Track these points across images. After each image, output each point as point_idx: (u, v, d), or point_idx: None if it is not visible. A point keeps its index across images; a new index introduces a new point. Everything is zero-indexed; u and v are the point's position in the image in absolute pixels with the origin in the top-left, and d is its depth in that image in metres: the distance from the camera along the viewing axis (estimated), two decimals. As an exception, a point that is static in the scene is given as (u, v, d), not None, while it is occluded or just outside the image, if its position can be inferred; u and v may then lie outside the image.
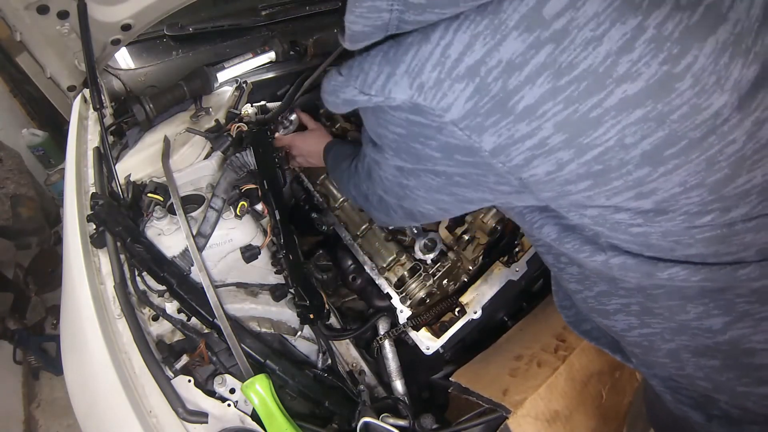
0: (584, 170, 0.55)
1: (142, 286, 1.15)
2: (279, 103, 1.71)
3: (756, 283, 0.60)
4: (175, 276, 1.12)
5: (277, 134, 1.50)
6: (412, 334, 1.20)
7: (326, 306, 1.30)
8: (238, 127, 1.44)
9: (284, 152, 1.46)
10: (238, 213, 1.22)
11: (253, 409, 0.98)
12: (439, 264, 1.23)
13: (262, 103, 1.65)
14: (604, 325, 0.80)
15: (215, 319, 1.08)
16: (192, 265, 1.16)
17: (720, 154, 0.54)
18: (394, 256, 1.26)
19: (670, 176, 0.55)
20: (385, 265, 1.26)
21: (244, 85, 1.66)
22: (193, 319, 1.13)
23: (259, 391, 0.96)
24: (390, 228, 1.32)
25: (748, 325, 0.63)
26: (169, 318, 1.13)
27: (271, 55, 1.75)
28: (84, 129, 1.50)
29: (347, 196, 1.12)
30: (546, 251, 0.81)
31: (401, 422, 1.05)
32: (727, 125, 0.52)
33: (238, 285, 1.29)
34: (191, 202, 1.27)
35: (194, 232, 1.17)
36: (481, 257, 1.27)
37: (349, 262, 1.41)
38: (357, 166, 0.93)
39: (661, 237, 0.61)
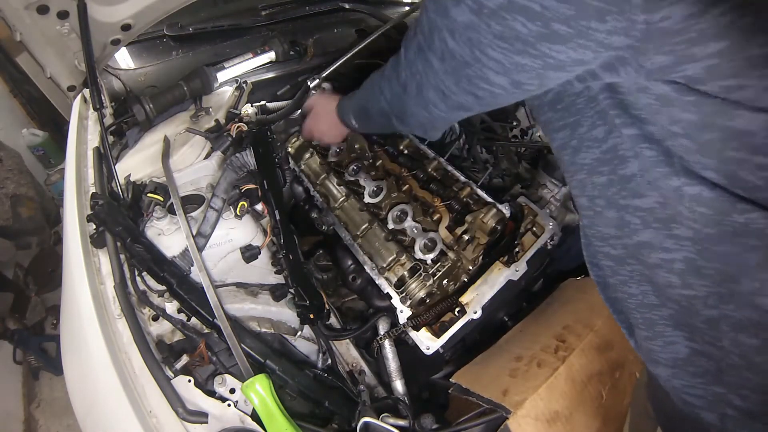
0: (730, 20, 0.45)
1: (142, 286, 1.15)
2: (279, 103, 1.72)
3: None
4: (175, 276, 1.12)
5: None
6: (412, 334, 1.20)
7: (326, 306, 1.30)
8: (238, 127, 1.44)
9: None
10: (238, 213, 1.23)
11: (253, 409, 0.98)
12: (439, 264, 1.23)
13: (262, 103, 1.65)
14: (640, 274, 0.68)
15: (215, 319, 1.08)
16: (192, 265, 1.16)
17: None
18: (394, 256, 1.26)
19: None
20: (385, 265, 1.26)
21: (244, 85, 1.66)
22: (193, 319, 1.13)
23: (259, 391, 0.96)
24: (395, 227, 1.32)
25: None
26: (169, 318, 1.13)
27: (271, 55, 1.75)
28: (84, 129, 1.51)
29: (378, 110, 0.93)
30: (580, 192, 0.70)
31: (401, 422, 1.05)
32: None
33: (238, 285, 1.29)
34: (191, 202, 1.27)
35: (194, 232, 1.17)
36: (481, 257, 1.27)
37: (349, 262, 1.41)
38: (397, 56, 0.79)
39: (756, 169, 0.52)
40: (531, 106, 0.77)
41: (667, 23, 0.47)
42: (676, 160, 0.57)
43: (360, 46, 1.51)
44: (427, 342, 1.18)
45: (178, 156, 1.42)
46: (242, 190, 1.28)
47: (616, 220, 0.68)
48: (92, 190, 1.32)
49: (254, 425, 0.98)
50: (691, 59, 0.49)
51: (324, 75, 1.60)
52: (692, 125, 0.53)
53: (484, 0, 0.55)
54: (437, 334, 1.19)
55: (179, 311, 1.14)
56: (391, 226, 1.31)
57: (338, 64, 1.48)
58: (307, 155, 1.58)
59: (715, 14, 0.46)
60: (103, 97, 1.49)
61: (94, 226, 1.18)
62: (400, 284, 1.23)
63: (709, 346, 0.65)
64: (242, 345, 1.07)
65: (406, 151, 1.56)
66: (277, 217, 1.27)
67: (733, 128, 0.51)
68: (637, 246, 0.66)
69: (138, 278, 1.15)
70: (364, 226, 1.35)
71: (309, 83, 1.58)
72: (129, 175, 1.35)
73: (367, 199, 1.38)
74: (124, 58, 1.84)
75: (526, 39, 0.54)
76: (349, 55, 1.50)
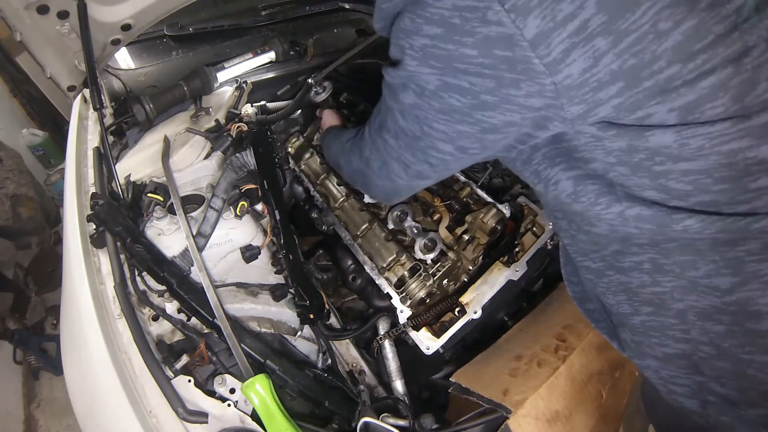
0: (617, 66, 0.55)
1: (142, 286, 1.15)
2: (279, 103, 1.72)
3: None
4: (175, 276, 1.12)
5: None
6: (412, 334, 1.20)
7: (326, 306, 1.30)
8: (238, 127, 1.44)
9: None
10: (238, 213, 1.23)
11: (253, 409, 0.97)
12: (439, 264, 1.23)
13: (262, 103, 1.65)
14: (619, 282, 0.76)
15: (215, 319, 1.08)
16: (192, 265, 1.16)
17: (744, 54, 0.54)
18: (394, 256, 1.26)
19: (699, 75, 0.55)
20: (385, 265, 1.26)
21: (244, 85, 1.66)
22: (193, 319, 1.13)
23: (259, 391, 0.96)
24: (395, 227, 1.32)
25: (757, 287, 0.63)
26: (169, 318, 1.13)
27: (271, 55, 1.75)
28: (84, 129, 1.51)
29: (346, 173, 1.06)
30: (561, 216, 0.79)
31: (401, 422, 1.05)
32: (747, 23, 0.54)
33: (238, 285, 1.29)
34: (191, 202, 1.27)
35: (194, 232, 1.17)
36: (481, 257, 1.27)
37: (349, 262, 1.41)
38: (361, 133, 0.93)
39: (682, 175, 0.60)
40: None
41: (570, 80, 0.57)
42: (617, 189, 0.65)
43: (362, 47, 1.52)
44: (427, 342, 1.18)
45: (178, 156, 1.42)
46: (242, 190, 1.28)
47: (588, 242, 0.77)
48: (92, 190, 1.32)
49: (254, 425, 0.98)
50: (599, 103, 0.58)
51: (324, 74, 1.61)
52: (622, 152, 0.62)
53: (424, 84, 0.66)
54: (437, 334, 1.19)
55: (179, 311, 1.14)
56: (391, 226, 1.31)
57: (338, 63, 1.48)
58: (307, 155, 1.58)
59: (605, 64, 0.55)
60: (103, 97, 1.49)
61: (94, 226, 1.18)
62: (400, 284, 1.23)
63: (682, 343, 0.72)
64: (242, 345, 1.07)
65: (406, 151, 1.56)
66: (277, 217, 1.27)
67: (652, 146, 0.60)
68: (612, 254, 0.74)
69: (138, 278, 1.15)
70: (364, 226, 1.35)
71: (310, 81, 1.59)
72: (129, 175, 1.35)
73: (367, 199, 1.38)
74: (124, 58, 1.84)
75: (462, 110, 0.65)
76: (350, 55, 1.50)
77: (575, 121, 0.61)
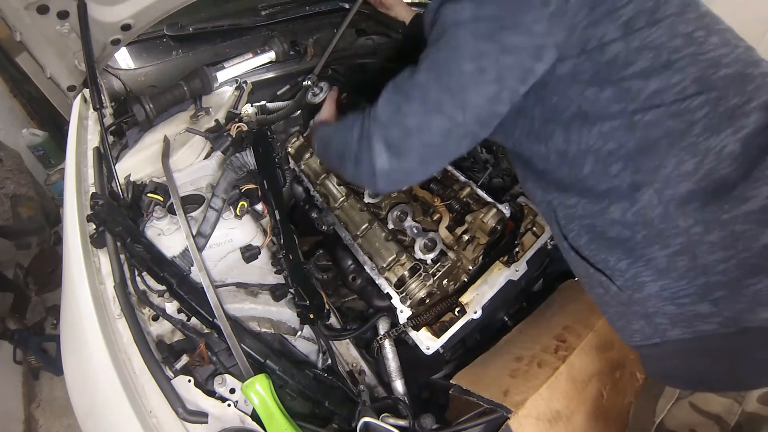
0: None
1: (142, 286, 1.15)
2: (279, 103, 1.72)
3: None
4: (175, 276, 1.12)
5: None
6: (412, 334, 1.20)
7: (326, 306, 1.30)
8: (238, 127, 1.44)
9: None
10: (238, 213, 1.23)
11: (253, 409, 0.97)
12: (439, 264, 1.23)
13: (262, 103, 1.65)
14: (590, 226, 0.87)
15: (215, 319, 1.08)
16: (192, 265, 1.16)
17: None
18: (394, 256, 1.26)
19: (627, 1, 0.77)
20: (385, 265, 1.26)
21: (244, 85, 1.66)
22: (193, 319, 1.13)
23: (259, 391, 0.96)
24: (395, 227, 1.32)
25: (712, 159, 0.76)
26: (169, 318, 1.13)
27: (271, 55, 1.75)
28: (84, 129, 1.51)
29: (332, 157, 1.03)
30: (544, 186, 0.93)
31: (401, 422, 1.05)
32: None
33: (238, 285, 1.29)
34: (191, 202, 1.27)
35: (194, 232, 1.17)
36: (481, 257, 1.27)
37: (349, 262, 1.41)
38: (369, 108, 0.91)
39: (637, 77, 0.78)
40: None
41: (555, 9, 0.78)
42: (590, 116, 0.82)
43: (342, 28, 1.51)
44: (427, 342, 1.18)
45: (178, 156, 1.42)
46: (242, 190, 1.28)
47: (574, 187, 0.89)
48: (92, 190, 1.32)
49: (254, 425, 0.98)
50: (575, 28, 0.79)
51: (316, 72, 1.60)
52: (592, 77, 0.81)
53: (458, 17, 0.82)
54: (437, 334, 1.19)
55: (179, 311, 1.14)
56: (391, 226, 1.31)
57: (325, 58, 1.48)
58: (307, 155, 1.59)
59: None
60: (103, 97, 1.49)
61: (94, 226, 1.18)
62: (400, 284, 1.23)
63: (673, 240, 0.78)
64: (242, 345, 1.07)
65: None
66: (277, 217, 1.27)
67: (608, 60, 0.79)
68: (586, 177, 0.85)
69: (138, 278, 1.15)
70: (364, 226, 1.35)
71: (305, 83, 1.59)
72: (129, 175, 1.35)
73: (367, 199, 1.38)
74: (124, 58, 1.84)
75: (488, 31, 0.80)
76: (331, 48, 1.49)
77: (560, 47, 0.78)
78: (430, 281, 1.21)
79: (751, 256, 0.73)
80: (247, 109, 1.59)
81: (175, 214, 1.19)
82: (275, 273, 1.33)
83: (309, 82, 1.62)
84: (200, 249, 1.17)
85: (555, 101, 0.84)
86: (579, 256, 0.92)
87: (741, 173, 0.74)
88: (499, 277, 1.23)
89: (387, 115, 0.86)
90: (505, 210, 1.26)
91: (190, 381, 1.01)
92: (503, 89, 0.82)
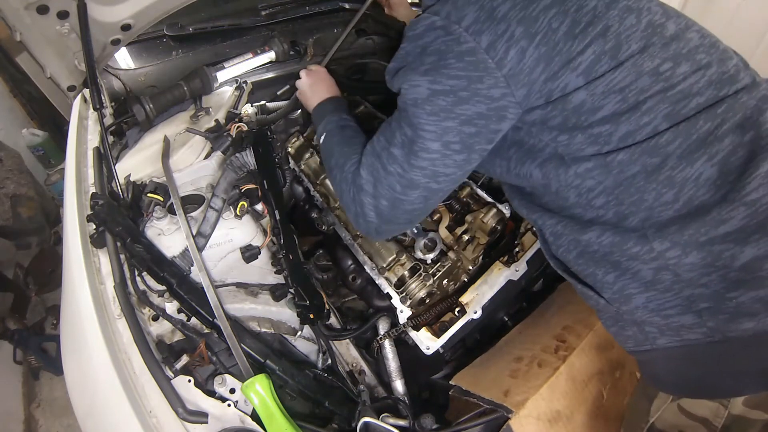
0: (537, 54, 0.77)
1: (142, 286, 1.15)
2: (279, 103, 1.72)
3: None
4: (175, 276, 1.12)
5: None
6: (412, 334, 1.20)
7: (326, 306, 1.30)
8: (238, 127, 1.44)
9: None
10: (238, 213, 1.23)
11: (253, 409, 0.98)
12: (439, 264, 1.23)
13: (262, 103, 1.65)
14: (575, 242, 0.88)
15: (215, 319, 1.08)
16: (192, 265, 1.16)
17: (607, 30, 0.78)
18: (394, 255, 1.26)
19: (583, 47, 0.77)
20: (385, 265, 1.26)
21: (244, 85, 1.66)
22: (193, 319, 1.13)
23: (259, 391, 0.96)
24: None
25: (676, 187, 0.78)
26: (169, 318, 1.13)
27: (271, 55, 1.75)
28: (84, 129, 1.51)
29: (335, 178, 1.05)
30: (545, 203, 0.93)
31: (401, 422, 1.05)
32: (603, 13, 0.79)
33: (238, 285, 1.29)
34: (191, 202, 1.27)
35: (194, 232, 1.17)
36: (481, 257, 1.27)
37: (349, 262, 1.41)
38: (356, 165, 0.98)
39: (600, 124, 0.79)
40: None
41: (512, 70, 0.80)
42: (566, 158, 0.83)
43: (346, 32, 1.51)
44: (427, 342, 1.18)
45: (178, 156, 1.42)
46: (242, 190, 1.28)
47: (558, 212, 0.91)
48: (92, 190, 1.32)
49: (254, 425, 0.98)
50: (533, 82, 0.81)
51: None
52: (561, 124, 0.83)
53: (417, 97, 0.85)
54: (437, 334, 1.19)
55: (179, 311, 1.14)
56: (391, 226, 1.31)
57: (327, 58, 1.48)
58: (307, 155, 1.58)
59: (529, 55, 0.79)
60: (103, 97, 1.49)
61: (94, 226, 1.18)
62: (400, 284, 1.23)
63: (652, 262, 0.79)
64: (242, 345, 1.07)
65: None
66: (277, 217, 1.27)
67: (574, 105, 0.81)
68: (571, 207, 0.87)
69: (138, 278, 1.15)
70: (364, 226, 1.35)
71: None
72: (129, 175, 1.35)
73: (367, 199, 1.38)
74: (124, 58, 1.84)
75: (446, 108, 0.83)
76: (335, 49, 1.49)
77: (522, 104, 0.81)
78: (430, 281, 1.21)
79: (731, 272, 0.74)
80: (247, 109, 1.59)
81: (175, 214, 1.19)
82: (275, 273, 1.33)
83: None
84: (200, 249, 1.17)
85: (530, 144, 0.87)
86: (568, 273, 0.94)
87: (718, 197, 0.75)
88: (499, 277, 1.23)
89: (371, 186, 0.93)
90: (505, 210, 1.26)
91: (190, 381, 1.01)
92: (472, 153, 0.86)
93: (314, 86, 1.31)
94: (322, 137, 1.13)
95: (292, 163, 1.63)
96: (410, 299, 1.21)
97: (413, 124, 0.85)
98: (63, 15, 1.37)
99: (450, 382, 1.12)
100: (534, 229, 1.30)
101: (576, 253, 0.88)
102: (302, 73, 1.35)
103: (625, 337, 0.90)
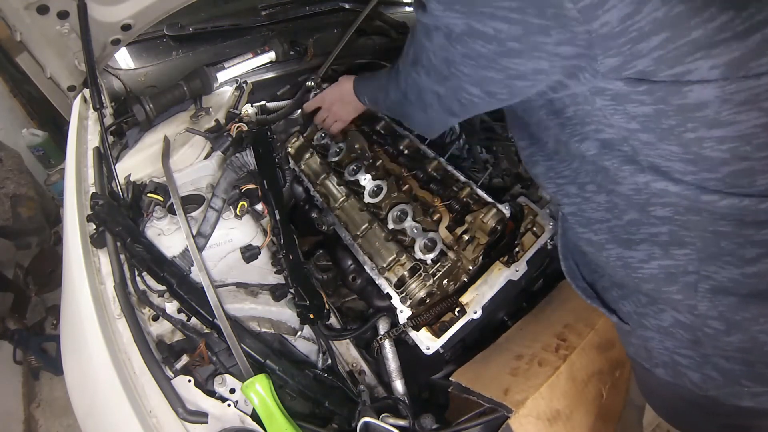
0: (663, 14, 0.50)
1: (142, 286, 1.15)
2: (279, 103, 1.72)
3: None
4: (175, 276, 1.12)
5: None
6: (412, 334, 1.20)
7: (326, 306, 1.30)
8: (238, 127, 1.44)
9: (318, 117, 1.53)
10: (238, 213, 1.23)
11: (253, 409, 0.97)
12: (439, 264, 1.23)
13: (262, 103, 1.65)
14: (618, 257, 0.74)
15: (215, 319, 1.08)
16: (192, 265, 1.16)
17: None
18: (394, 256, 1.26)
19: (750, 27, 0.49)
20: (385, 265, 1.26)
21: (244, 85, 1.66)
22: (193, 319, 1.13)
23: (259, 391, 0.96)
24: (395, 227, 1.32)
25: None
26: (169, 318, 1.13)
27: (271, 55, 1.75)
28: (84, 129, 1.51)
29: (386, 106, 1.11)
30: (571, 180, 0.75)
31: (401, 422, 1.05)
32: None
33: (238, 285, 1.29)
34: (191, 202, 1.27)
35: (194, 232, 1.17)
36: (481, 257, 1.27)
37: (349, 262, 1.41)
38: (397, 65, 0.94)
39: (717, 143, 0.56)
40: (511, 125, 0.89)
41: (607, 29, 0.52)
42: (642, 158, 0.62)
43: (347, 37, 1.52)
44: (427, 342, 1.18)
45: (178, 156, 1.42)
46: (242, 190, 1.28)
47: (605, 204, 0.73)
48: (92, 190, 1.32)
49: (254, 425, 0.98)
50: (638, 56, 0.53)
51: (321, 73, 1.61)
52: (648, 118, 0.58)
53: (451, 27, 0.64)
54: (437, 334, 1.19)
55: (179, 311, 1.14)
56: (391, 226, 1.31)
57: (330, 60, 1.49)
58: (307, 155, 1.58)
59: (649, 11, 0.50)
60: (103, 97, 1.48)
61: (94, 226, 1.18)
62: (400, 284, 1.23)
63: (686, 317, 0.70)
64: (242, 345, 1.06)
65: (406, 151, 1.56)
66: (277, 217, 1.27)
67: (687, 105, 0.55)
68: (625, 225, 0.71)
69: (138, 278, 1.15)
70: (364, 226, 1.35)
71: (308, 84, 1.60)
72: (129, 175, 1.35)
73: (367, 199, 1.38)
74: (124, 58, 1.84)
75: (488, 56, 0.63)
76: (338, 50, 1.50)
77: (608, 75, 0.56)
78: (430, 281, 1.21)
79: (762, 365, 0.68)
80: (247, 109, 1.59)
81: (175, 214, 1.18)
82: (275, 273, 1.33)
83: (311, 83, 1.62)
84: (200, 249, 1.17)
85: (590, 118, 0.64)
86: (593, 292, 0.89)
87: None
88: (499, 277, 1.23)
89: (413, 99, 0.88)
90: (505, 210, 1.26)
91: (190, 381, 1.00)
92: (528, 99, 0.69)
93: (334, 103, 1.42)
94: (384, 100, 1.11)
95: (292, 163, 1.63)
96: (410, 299, 1.21)
97: (446, 59, 0.70)
98: (63, 15, 1.38)
99: (450, 379, 1.12)
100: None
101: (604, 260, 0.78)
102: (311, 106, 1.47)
103: (628, 342, 0.88)
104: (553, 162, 0.78)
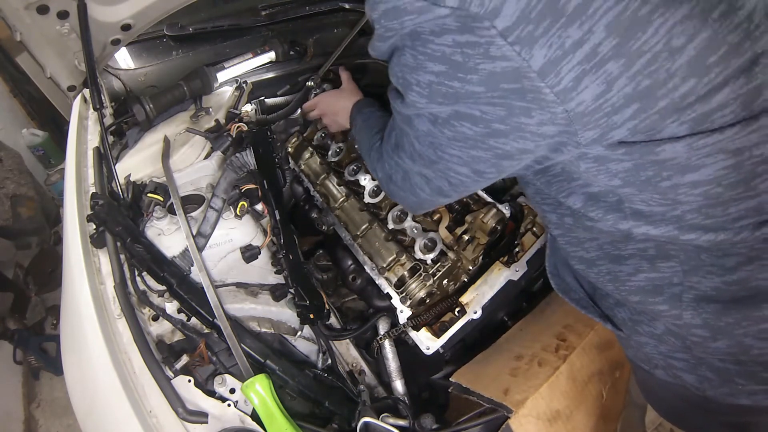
0: (632, 89, 0.54)
1: (142, 286, 1.15)
2: (277, 99, 1.72)
3: None
4: (175, 276, 1.12)
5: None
6: (412, 334, 1.20)
7: (326, 306, 1.30)
8: (238, 127, 1.44)
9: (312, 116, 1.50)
10: (238, 213, 1.23)
11: (253, 409, 0.97)
12: (439, 264, 1.23)
13: (261, 98, 1.66)
14: (608, 271, 0.77)
15: (215, 319, 1.08)
16: (192, 265, 1.16)
17: (754, 63, 0.54)
18: (394, 256, 1.26)
19: (712, 88, 0.54)
20: (385, 265, 1.26)
21: (244, 85, 1.66)
22: (193, 319, 1.13)
23: (259, 391, 0.96)
24: (395, 227, 1.32)
25: (756, 268, 0.64)
26: (169, 318, 1.13)
27: (271, 55, 1.75)
28: (84, 129, 1.51)
29: (371, 171, 1.09)
30: (552, 209, 0.79)
31: (401, 422, 1.05)
32: (758, 30, 0.54)
33: (238, 285, 1.29)
34: (191, 202, 1.27)
35: (194, 232, 1.17)
36: (481, 257, 1.27)
37: (349, 262, 1.41)
38: (383, 141, 0.90)
39: (690, 188, 0.60)
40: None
41: (583, 107, 0.56)
42: (626, 206, 0.66)
43: (347, 41, 1.52)
44: (427, 342, 1.18)
45: (178, 156, 1.42)
46: (242, 190, 1.28)
47: (586, 235, 0.77)
48: (92, 190, 1.32)
49: (254, 425, 0.98)
50: (614, 126, 0.58)
51: (321, 73, 1.61)
52: (628, 172, 0.62)
53: (437, 113, 0.66)
54: (437, 334, 1.19)
55: (179, 311, 1.14)
56: (391, 226, 1.31)
57: (332, 60, 1.49)
58: (307, 155, 1.59)
59: (619, 87, 0.54)
60: (103, 97, 1.48)
61: (94, 226, 1.18)
62: (400, 284, 1.23)
63: (673, 326, 0.73)
64: (242, 345, 1.06)
65: (406, 151, 1.56)
66: (277, 217, 1.27)
67: (660, 159, 0.59)
68: (612, 243, 0.74)
69: (138, 278, 1.15)
70: (364, 226, 1.35)
71: (308, 84, 1.60)
72: (129, 175, 1.35)
73: (367, 199, 1.38)
74: (124, 58, 1.84)
75: (475, 137, 0.64)
76: (340, 51, 1.50)
77: (589, 146, 0.60)
78: (430, 281, 1.21)
79: (753, 365, 0.70)
80: (247, 108, 1.59)
81: (175, 214, 1.19)
82: (275, 273, 1.33)
83: (312, 83, 1.62)
84: (200, 249, 1.17)
85: (577, 177, 0.68)
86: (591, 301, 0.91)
87: None
88: (499, 277, 1.23)
89: (399, 181, 0.85)
90: (505, 210, 1.26)
91: (190, 381, 1.00)
92: (515, 174, 0.73)
93: (327, 114, 1.39)
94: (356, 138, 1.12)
95: (292, 163, 1.63)
96: (410, 299, 1.21)
97: (432, 144, 0.71)
98: (63, 15, 1.37)
99: (450, 379, 1.12)
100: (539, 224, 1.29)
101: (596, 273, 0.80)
102: (309, 105, 1.44)
103: (627, 344, 0.89)
104: (540, 186, 0.79)
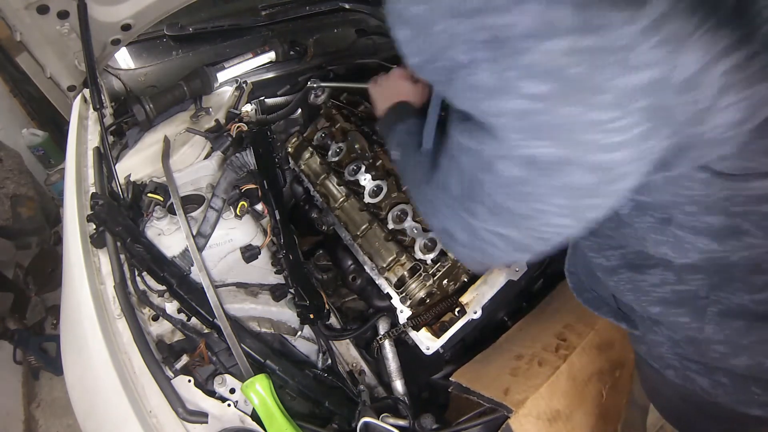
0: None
1: (142, 286, 1.15)
2: (277, 99, 1.72)
3: None
4: (175, 276, 1.12)
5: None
6: (412, 334, 1.20)
7: (326, 306, 1.30)
8: (238, 127, 1.44)
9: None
10: (238, 213, 1.23)
11: (253, 409, 0.97)
12: (439, 264, 1.23)
13: (261, 98, 1.66)
14: (628, 280, 0.73)
15: (215, 319, 1.08)
16: (192, 265, 1.16)
17: None
18: (394, 256, 1.26)
19: None
20: (385, 265, 1.26)
21: (244, 85, 1.66)
22: (193, 319, 1.13)
23: (259, 391, 0.96)
24: (395, 227, 1.32)
25: None
26: (169, 318, 1.13)
27: (271, 55, 1.75)
28: (84, 129, 1.51)
29: (417, 208, 0.91)
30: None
31: (401, 422, 1.05)
32: None
33: (238, 285, 1.29)
34: (191, 202, 1.27)
35: (194, 232, 1.17)
36: (481, 257, 1.27)
37: (349, 262, 1.41)
38: (431, 184, 0.67)
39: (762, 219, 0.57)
40: None
41: (716, 132, 0.50)
42: (673, 226, 0.61)
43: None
44: (427, 342, 1.18)
45: (178, 156, 1.42)
46: (242, 190, 1.28)
47: (611, 241, 0.74)
48: (92, 190, 1.32)
49: (254, 425, 0.98)
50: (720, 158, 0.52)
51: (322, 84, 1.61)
52: (699, 199, 0.57)
53: (537, 156, 0.48)
54: (437, 334, 1.19)
55: (179, 311, 1.14)
56: (391, 226, 1.31)
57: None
58: (307, 155, 1.58)
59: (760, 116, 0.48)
60: (103, 97, 1.49)
61: (94, 226, 1.18)
62: (400, 284, 1.23)
63: (694, 335, 0.70)
64: (242, 345, 1.06)
65: (406, 151, 1.56)
66: (277, 217, 1.27)
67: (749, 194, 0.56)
68: (637, 252, 0.71)
69: (138, 278, 1.15)
70: (364, 226, 1.35)
71: (309, 84, 1.60)
72: (129, 175, 1.35)
73: (367, 199, 1.38)
74: (124, 58, 1.84)
75: (593, 187, 0.50)
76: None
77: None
78: (430, 281, 1.21)
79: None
80: (248, 109, 1.59)
81: (175, 214, 1.19)
82: (275, 273, 1.33)
83: (312, 84, 1.62)
84: (200, 249, 1.17)
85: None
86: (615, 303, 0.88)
87: None
88: (499, 277, 1.23)
89: (465, 240, 0.64)
90: (505, 210, 1.26)
91: (190, 381, 1.01)
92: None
93: (383, 95, 1.08)
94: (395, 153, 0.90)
95: (292, 163, 1.63)
96: (410, 299, 1.21)
97: (528, 194, 0.53)
98: (63, 15, 1.38)
99: (450, 379, 1.12)
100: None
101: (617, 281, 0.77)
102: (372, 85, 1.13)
103: (639, 341, 0.87)
104: None
